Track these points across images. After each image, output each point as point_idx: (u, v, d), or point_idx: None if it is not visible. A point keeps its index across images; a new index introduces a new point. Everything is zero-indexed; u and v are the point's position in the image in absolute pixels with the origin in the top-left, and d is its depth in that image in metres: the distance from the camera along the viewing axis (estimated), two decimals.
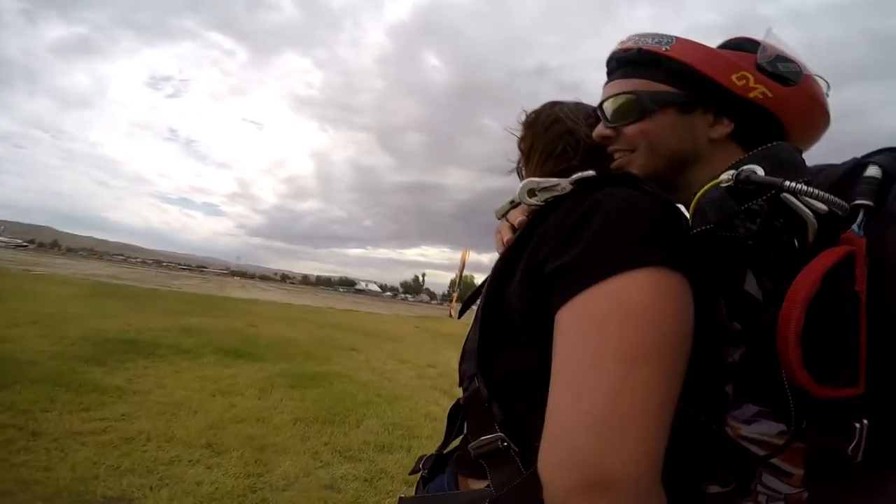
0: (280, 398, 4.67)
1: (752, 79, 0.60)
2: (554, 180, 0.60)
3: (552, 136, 0.75)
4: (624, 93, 0.66)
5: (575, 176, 0.59)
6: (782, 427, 0.50)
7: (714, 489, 0.56)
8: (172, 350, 6.42)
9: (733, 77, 0.60)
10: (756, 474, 0.53)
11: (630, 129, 0.66)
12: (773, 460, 0.52)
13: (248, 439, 3.38)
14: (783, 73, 0.60)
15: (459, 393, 0.66)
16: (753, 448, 0.53)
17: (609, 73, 0.71)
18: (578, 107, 0.79)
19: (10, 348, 5.08)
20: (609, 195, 0.52)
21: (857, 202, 0.46)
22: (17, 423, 3.05)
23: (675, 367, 0.44)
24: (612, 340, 0.43)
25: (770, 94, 0.60)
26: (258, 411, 4.15)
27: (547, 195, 0.59)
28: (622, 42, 0.69)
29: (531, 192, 0.60)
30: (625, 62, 0.68)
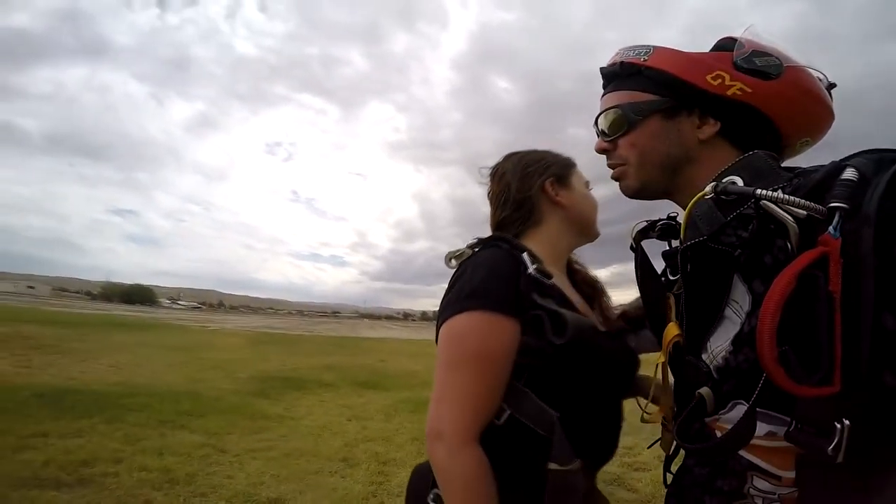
0: (402, 421, 5.19)
1: (727, 77, 0.61)
2: (461, 248, 0.85)
3: (500, 188, 0.93)
4: (611, 107, 0.69)
5: (469, 241, 0.86)
6: (770, 428, 0.50)
7: (553, 466, 0.70)
8: (317, 384, 7.50)
9: (708, 77, 0.61)
10: (747, 478, 0.53)
11: (622, 142, 0.68)
12: (761, 464, 0.51)
13: (374, 455, 3.88)
14: (760, 67, 0.60)
15: None
16: (741, 451, 0.53)
17: (603, 88, 0.74)
18: (522, 159, 0.94)
19: (202, 387, 6.47)
20: (475, 259, 0.80)
21: (833, 205, 0.45)
22: (211, 442, 3.96)
23: (485, 370, 0.72)
24: (445, 356, 0.75)
25: (749, 90, 0.60)
26: (384, 432, 4.69)
27: (457, 261, 0.83)
28: (612, 56, 0.72)
29: (449, 259, 0.85)
30: (612, 77, 0.71)
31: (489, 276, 0.76)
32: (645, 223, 0.76)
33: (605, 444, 0.83)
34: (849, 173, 0.46)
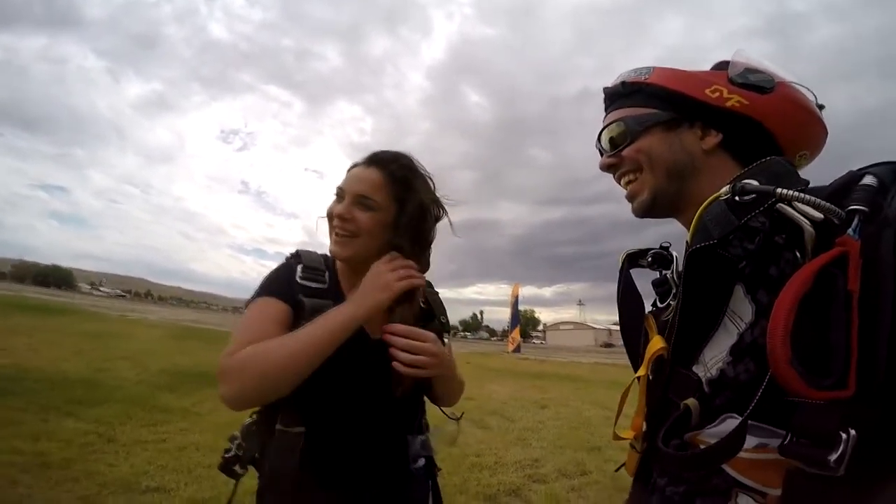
0: None
1: (725, 91, 0.63)
2: None
3: None
4: (613, 122, 0.70)
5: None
6: (760, 440, 0.48)
7: (279, 426, 0.88)
8: None
9: (707, 91, 0.64)
10: (731, 495, 0.50)
11: (627, 151, 0.69)
12: (746, 481, 0.49)
13: None
14: (755, 82, 0.63)
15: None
16: (725, 465, 0.51)
17: (605, 109, 0.75)
18: None
19: (104, 376, 6.02)
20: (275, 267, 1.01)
21: (852, 207, 0.44)
22: (99, 431, 3.71)
23: (258, 325, 0.87)
24: (243, 320, 0.91)
25: (746, 102, 0.62)
26: None
27: None
28: (614, 79, 0.74)
29: None
30: (614, 97, 0.73)
31: (270, 278, 0.98)
32: (636, 249, 0.77)
33: (338, 421, 0.94)
34: (868, 179, 0.46)
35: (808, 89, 0.65)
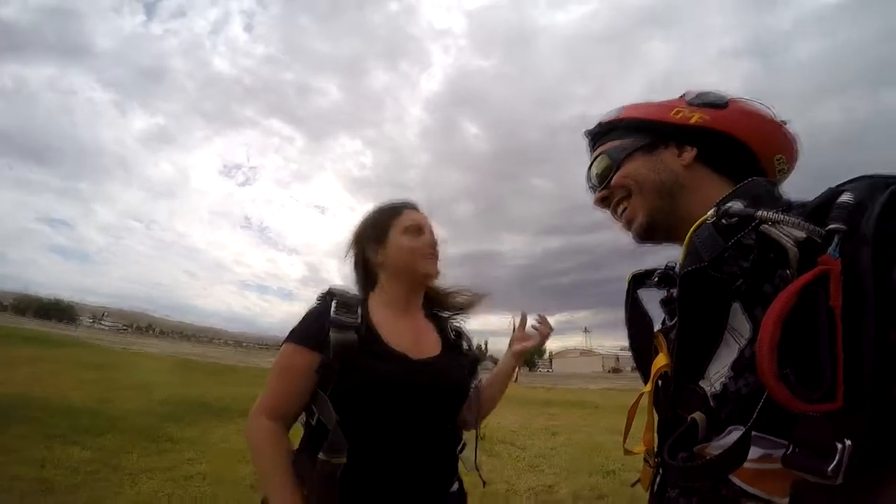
0: None
1: (686, 111, 0.70)
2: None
3: (353, 254, 1.20)
4: (597, 156, 0.77)
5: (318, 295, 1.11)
6: (763, 451, 0.49)
7: (322, 457, 0.88)
8: (240, 413, 6.98)
9: (671, 114, 0.71)
10: None
11: (615, 179, 0.74)
12: (754, 490, 0.50)
13: None
14: (709, 101, 0.70)
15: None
16: (732, 476, 0.51)
17: (590, 149, 0.82)
18: (358, 227, 1.17)
19: (108, 406, 5.94)
20: (309, 309, 1.05)
21: (831, 227, 0.46)
22: (104, 459, 3.64)
23: (284, 377, 0.99)
24: (275, 366, 1.01)
25: (707, 118, 0.69)
26: None
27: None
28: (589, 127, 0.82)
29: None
30: (595, 137, 0.80)
31: (304, 321, 1.04)
32: (642, 270, 0.79)
33: (387, 446, 0.95)
34: (845, 197, 0.48)
35: (763, 104, 0.70)
